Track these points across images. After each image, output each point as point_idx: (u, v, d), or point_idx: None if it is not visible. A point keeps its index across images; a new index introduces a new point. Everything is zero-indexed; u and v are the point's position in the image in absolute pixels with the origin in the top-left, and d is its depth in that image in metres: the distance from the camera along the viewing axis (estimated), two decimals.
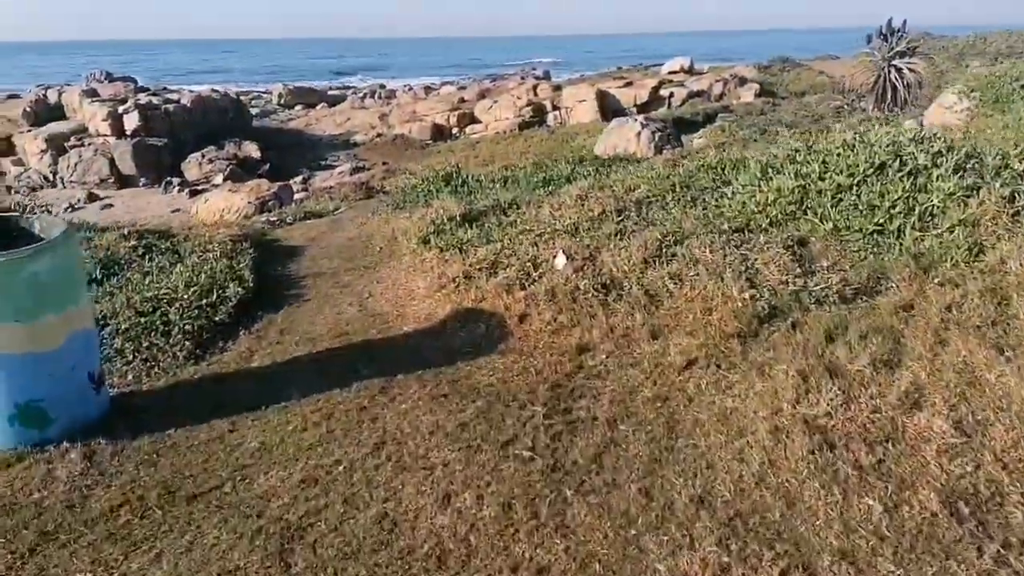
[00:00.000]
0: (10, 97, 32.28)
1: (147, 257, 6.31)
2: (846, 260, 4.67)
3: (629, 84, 31.53)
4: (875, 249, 4.75)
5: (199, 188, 22.96)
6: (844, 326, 3.87)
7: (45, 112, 27.19)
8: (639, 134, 16.49)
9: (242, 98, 34.95)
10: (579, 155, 15.59)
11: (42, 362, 3.44)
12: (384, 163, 26.20)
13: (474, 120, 30.89)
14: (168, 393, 4.19)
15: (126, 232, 6.62)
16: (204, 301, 5.28)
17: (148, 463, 3.41)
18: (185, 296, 5.29)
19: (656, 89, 30.32)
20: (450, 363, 4.27)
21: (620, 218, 5.87)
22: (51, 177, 24.31)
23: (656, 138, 16.46)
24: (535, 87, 33.00)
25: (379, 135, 31.11)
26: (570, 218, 6.05)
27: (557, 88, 32.81)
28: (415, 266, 6.02)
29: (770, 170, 5.84)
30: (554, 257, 5.20)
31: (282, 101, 39.51)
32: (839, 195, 5.27)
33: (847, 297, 4.25)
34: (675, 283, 4.58)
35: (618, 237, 5.41)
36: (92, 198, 22.36)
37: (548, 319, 4.56)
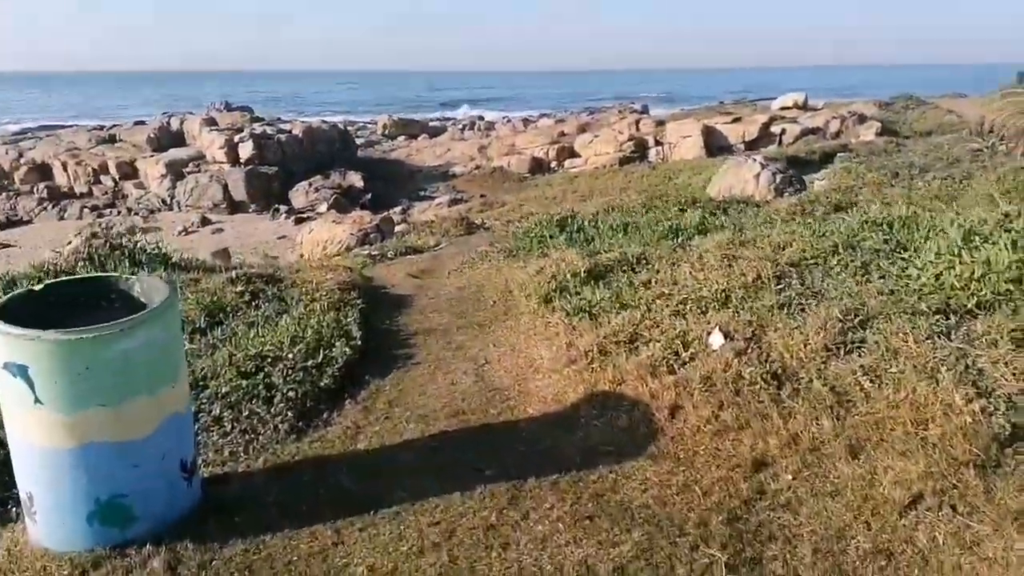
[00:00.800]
0: (137, 123, 34.39)
1: (253, 304, 5.94)
2: None
3: (737, 120, 30.27)
4: None
5: (304, 216, 23.46)
6: None
7: (167, 139, 28.69)
8: (758, 175, 15.40)
9: (348, 128, 35.94)
10: (691, 196, 14.67)
11: (129, 452, 2.95)
12: (482, 195, 26.05)
13: (573, 154, 30.45)
14: (266, 479, 3.66)
15: (233, 276, 6.30)
16: (310, 362, 4.78)
17: None
18: (290, 355, 4.82)
19: (767, 125, 28.95)
20: (589, 466, 3.54)
21: (780, 286, 5.01)
22: (168, 201, 25.47)
23: (777, 180, 15.32)
24: (637, 122, 32.26)
25: (477, 167, 31.14)
26: (717, 282, 5.24)
27: (660, 123, 31.94)
28: (536, 330, 5.36)
29: (975, 237, 4.84)
30: (708, 334, 4.41)
31: (386, 132, 40.45)
32: None
33: None
34: (871, 381, 3.69)
35: (783, 312, 4.56)
36: (205, 222, 23.20)
37: (707, 416, 3.76)
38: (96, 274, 4.83)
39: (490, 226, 16.93)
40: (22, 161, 27.39)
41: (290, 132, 28.37)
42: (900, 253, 5.39)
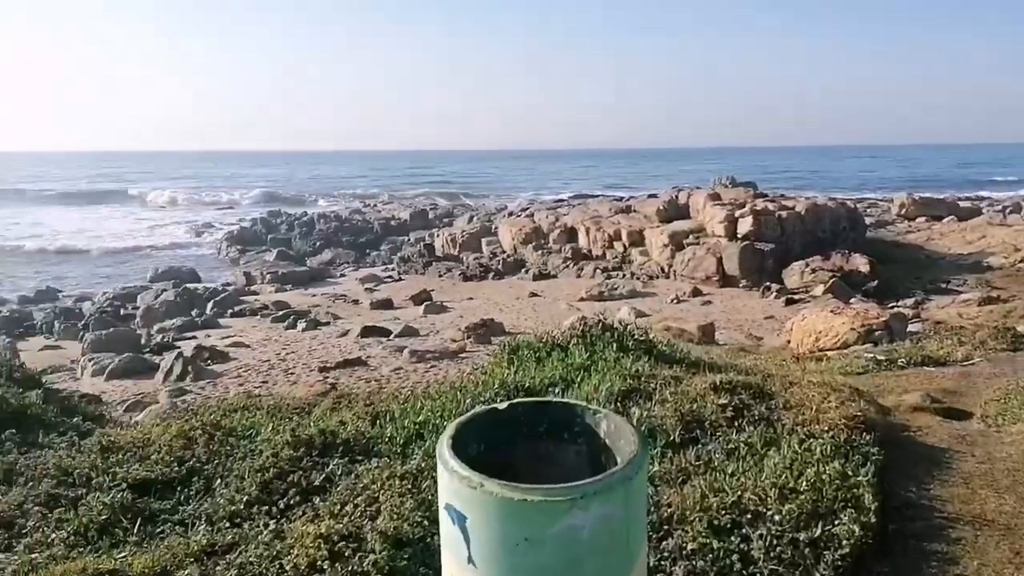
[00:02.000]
0: (649, 196, 37.62)
1: (736, 424, 5.00)
2: None
3: None
4: None
5: (796, 297, 21.87)
6: None
7: (673, 211, 30.41)
8: None
9: (858, 206, 32.91)
10: None
11: None
12: None
13: None
14: None
15: (717, 382, 5.47)
16: (803, 535, 3.57)
17: None
18: (776, 516, 3.69)
19: None
20: None
21: None
22: (666, 269, 26.79)
23: None
24: None
25: (1023, 260, 24.85)
26: None
27: None
28: None
29: None
30: None
31: (903, 211, 35.79)
32: None
33: None
34: None
35: None
36: (696, 293, 23.58)
37: None
38: (563, 399, 4.50)
39: None
40: (556, 224, 32.44)
41: (792, 208, 27.14)
42: None
